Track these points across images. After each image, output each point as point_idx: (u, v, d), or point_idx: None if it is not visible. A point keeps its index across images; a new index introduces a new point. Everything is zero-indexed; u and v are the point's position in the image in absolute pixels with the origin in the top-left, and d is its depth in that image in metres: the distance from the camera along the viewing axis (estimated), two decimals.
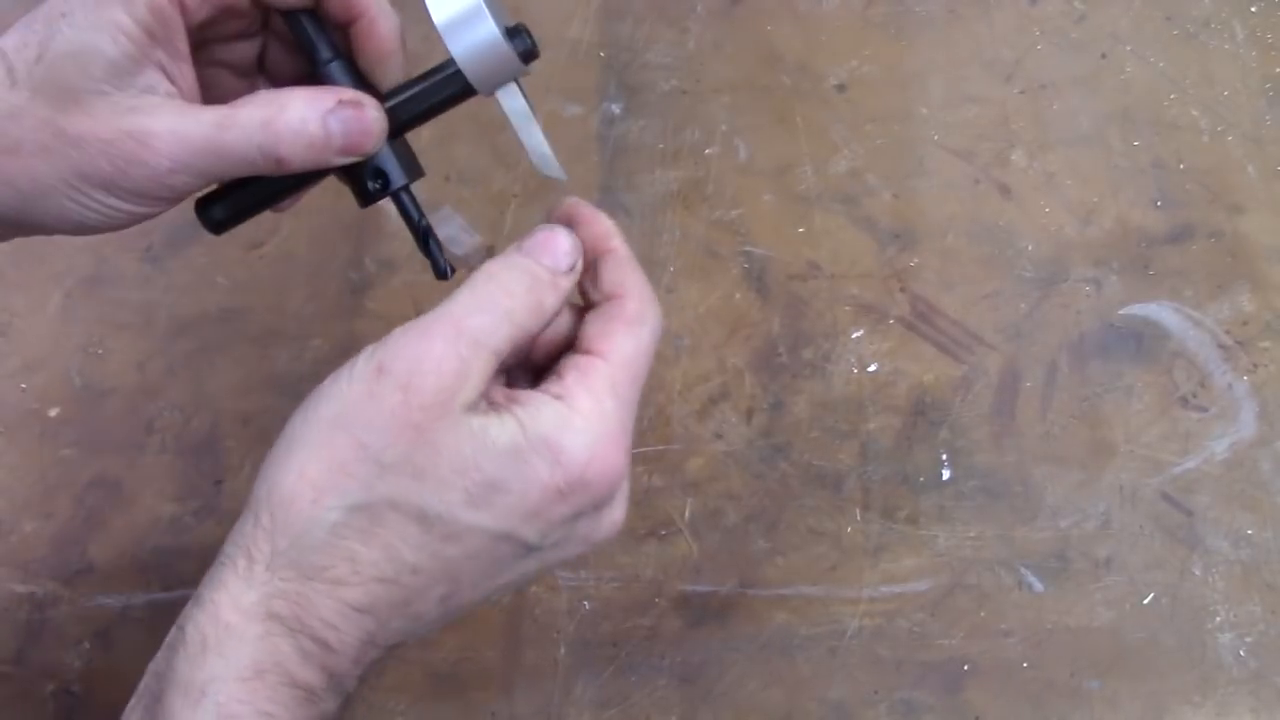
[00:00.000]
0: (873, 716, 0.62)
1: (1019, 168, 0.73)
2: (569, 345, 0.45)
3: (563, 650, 0.64)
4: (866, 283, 0.71)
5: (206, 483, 0.69)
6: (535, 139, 0.48)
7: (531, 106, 0.48)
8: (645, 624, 0.64)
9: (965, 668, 0.62)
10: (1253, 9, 0.76)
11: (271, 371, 0.72)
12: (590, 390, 0.42)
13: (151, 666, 0.41)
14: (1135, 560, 0.63)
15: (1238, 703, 0.60)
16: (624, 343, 0.44)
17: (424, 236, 0.49)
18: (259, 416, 0.71)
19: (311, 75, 0.48)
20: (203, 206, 0.49)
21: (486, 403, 0.42)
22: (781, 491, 0.66)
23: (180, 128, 0.44)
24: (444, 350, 0.40)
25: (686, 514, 0.66)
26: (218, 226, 0.49)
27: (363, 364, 0.41)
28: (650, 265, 0.72)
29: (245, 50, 0.51)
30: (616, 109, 0.77)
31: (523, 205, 0.75)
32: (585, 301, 0.47)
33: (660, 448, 0.68)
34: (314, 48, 0.48)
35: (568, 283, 0.44)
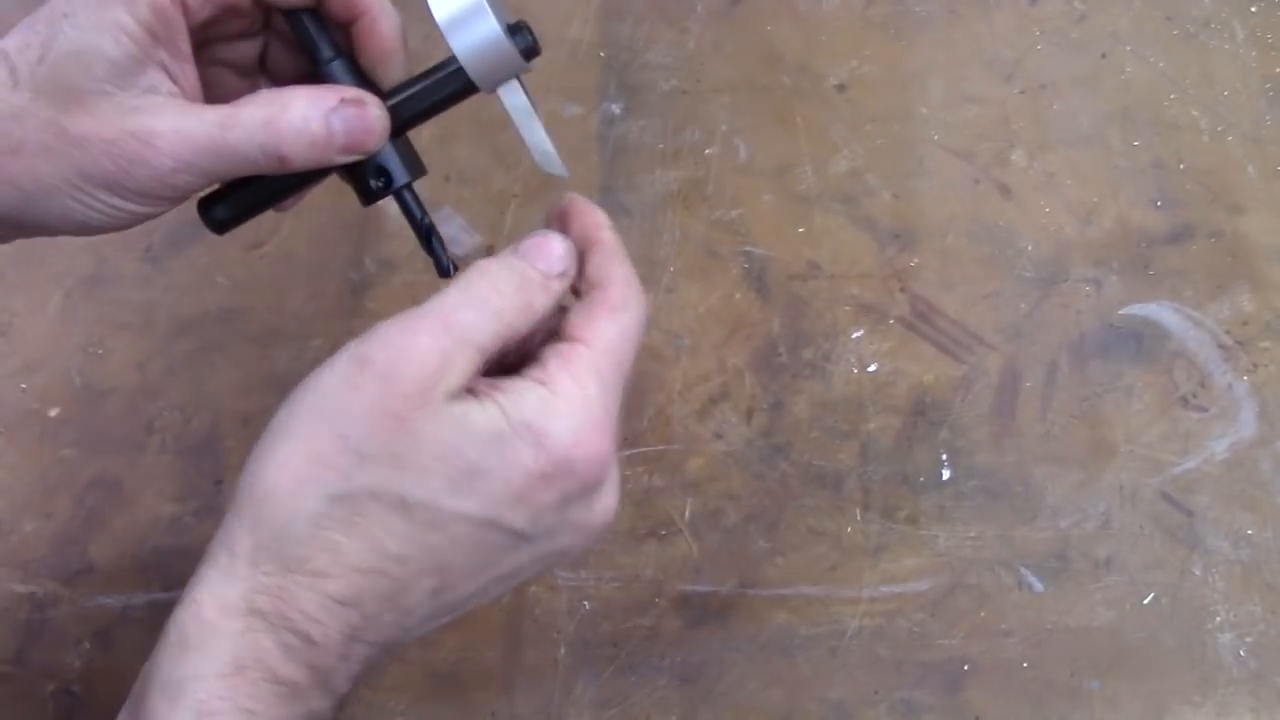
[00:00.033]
0: (873, 716, 0.61)
1: (1019, 168, 0.73)
2: None
3: (563, 650, 0.64)
4: (866, 283, 0.71)
5: (206, 483, 0.69)
6: (537, 136, 0.48)
7: (533, 103, 0.48)
8: (645, 624, 0.64)
9: (965, 668, 0.62)
10: (1253, 9, 0.76)
11: (271, 371, 0.72)
12: (573, 375, 0.42)
13: (143, 669, 0.41)
14: (1135, 560, 0.63)
15: (1238, 703, 0.60)
16: (606, 329, 0.43)
17: (427, 234, 0.49)
18: (259, 416, 0.70)
19: (313, 74, 0.48)
20: (205, 206, 0.49)
21: (468, 393, 0.41)
22: (781, 491, 0.66)
23: (183, 127, 0.44)
24: (428, 343, 0.40)
25: (686, 514, 0.66)
26: (220, 226, 0.49)
27: (345, 357, 0.41)
28: (650, 265, 0.72)
29: (247, 49, 0.51)
30: (616, 109, 0.77)
31: (523, 205, 0.75)
32: (576, 296, 0.46)
33: (660, 448, 0.68)
34: (315, 47, 0.48)
35: (559, 286, 0.44)
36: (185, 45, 0.46)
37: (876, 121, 0.75)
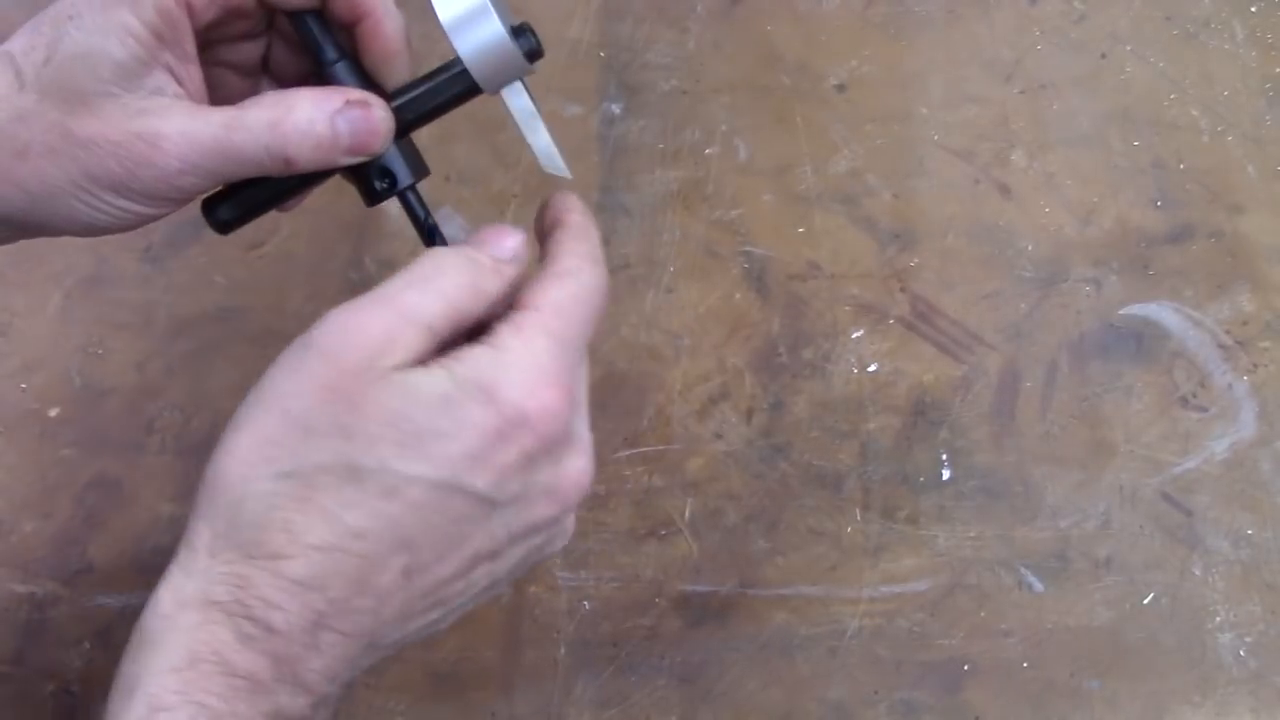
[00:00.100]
0: (873, 716, 0.62)
1: (1019, 168, 0.73)
2: None
3: (563, 650, 0.64)
4: (866, 283, 0.71)
5: None
6: (541, 138, 0.48)
7: (536, 105, 0.48)
8: (645, 624, 0.64)
9: (965, 668, 0.62)
10: (1253, 9, 0.76)
11: None
12: (520, 334, 0.41)
13: None
14: (1135, 560, 0.64)
15: (1238, 703, 0.61)
16: (552, 290, 0.43)
17: (430, 235, 0.49)
18: None
19: (316, 75, 0.48)
20: (209, 207, 0.49)
21: (418, 365, 0.41)
22: (781, 491, 0.66)
23: (189, 129, 0.44)
24: (371, 321, 0.40)
25: (686, 514, 0.66)
26: (224, 227, 0.49)
27: (294, 344, 0.41)
28: (650, 265, 0.72)
29: (250, 51, 0.51)
30: (616, 109, 0.77)
31: (523, 205, 0.75)
32: None
33: (660, 448, 0.68)
34: (319, 48, 0.48)
35: (511, 271, 0.44)
36: (190, 47, 0.46)
37: (876, 121, 0.75)
